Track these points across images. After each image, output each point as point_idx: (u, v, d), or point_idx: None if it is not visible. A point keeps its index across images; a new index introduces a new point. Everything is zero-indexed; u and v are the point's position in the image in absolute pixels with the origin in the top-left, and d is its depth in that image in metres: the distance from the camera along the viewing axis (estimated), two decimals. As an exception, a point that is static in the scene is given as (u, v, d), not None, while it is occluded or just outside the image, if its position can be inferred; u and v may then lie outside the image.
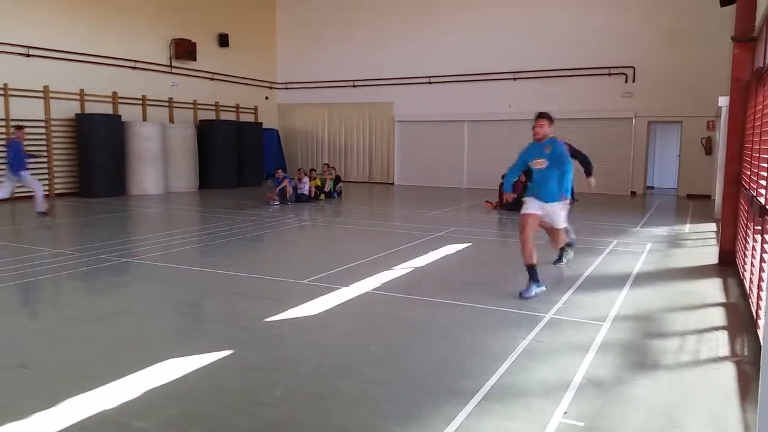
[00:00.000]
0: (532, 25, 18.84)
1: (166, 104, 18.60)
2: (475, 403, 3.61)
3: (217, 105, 20.25)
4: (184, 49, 18.64)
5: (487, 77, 19.57)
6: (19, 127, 12.02)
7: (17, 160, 11.34)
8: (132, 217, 12.82)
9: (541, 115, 6.30)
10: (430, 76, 20.43)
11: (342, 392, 3.78)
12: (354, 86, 21.75)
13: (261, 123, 21.22)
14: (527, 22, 18.92)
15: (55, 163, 15.68)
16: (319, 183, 16.12)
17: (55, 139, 15.61)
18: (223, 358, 4.36)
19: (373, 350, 4.57)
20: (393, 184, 21.47)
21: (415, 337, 4.89)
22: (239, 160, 19.58)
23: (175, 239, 9.59)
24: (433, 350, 4.60)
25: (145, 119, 17.64)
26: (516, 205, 13.20)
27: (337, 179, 16.76)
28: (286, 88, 23.21)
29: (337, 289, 6.35)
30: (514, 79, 19.23)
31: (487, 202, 14.30)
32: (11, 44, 14.36)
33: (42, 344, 4.70)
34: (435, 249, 8.66)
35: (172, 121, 18.59)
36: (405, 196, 18.34)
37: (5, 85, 14.30)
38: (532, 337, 4.83)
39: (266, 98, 22.72)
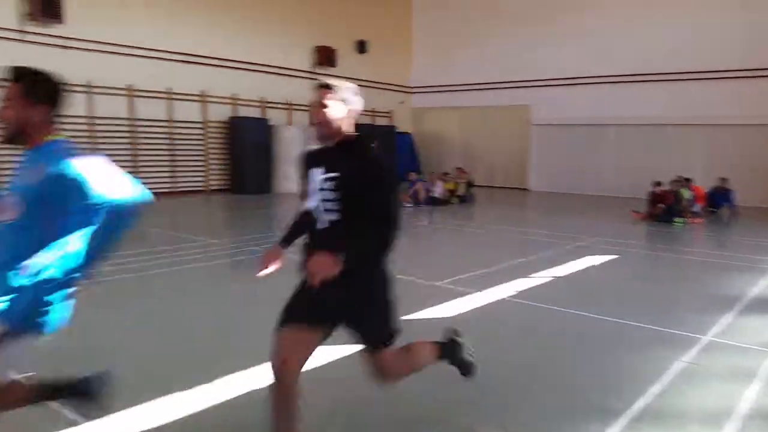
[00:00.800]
0: (689, 20, 17.41)
1: (309, 109, 19.52)
2: (623, 423, 3.38)
3: (355, 109, 20.90)
4: (325, 56, 19.48)
5: (637, 78, 18.38)
6: None
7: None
8: (278, 213, 13.62)
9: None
10: (570, 78, 19.61)
11: (477, 400, 3.71)
12: (488, 89, 21.46)
13: (394, 126, 21.61)
14: (683, 17, 17.52)
15: (211, 162, 17.06)
16: (452, 186, 16.09)
17: (210, 140, 16.99)
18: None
19: (511, 360, 4.44)
20: (528, 189, 20.89)
21: (557, 349, 4.68)
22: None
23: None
24: (576, 365, 4.39)
25: (290, 123, 18.67)
26: (668, 216, 12.38)
27: (469, 183, 16.63)
28: (421, 92, 23.44)
29: (473, 293, 6.27)
30: (672, 80, 17.84)
31: (634, 212, 13.33)
32: (174, 52, 15.82)
33: (203, 323, 5.11)
34: (576, 259, 8.27)
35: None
36: (542, 202, 17.77)
37: (168, 88, 15.79)
38: (689, 360, 4.43)
39: (401, 102, 23.10)
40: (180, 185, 16.35)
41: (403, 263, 8.14)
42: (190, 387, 3.76)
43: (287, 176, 17.67)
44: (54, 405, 3.01)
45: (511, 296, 6.24)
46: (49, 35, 13.37)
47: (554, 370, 4.25)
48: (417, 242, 10.25)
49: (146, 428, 3.27)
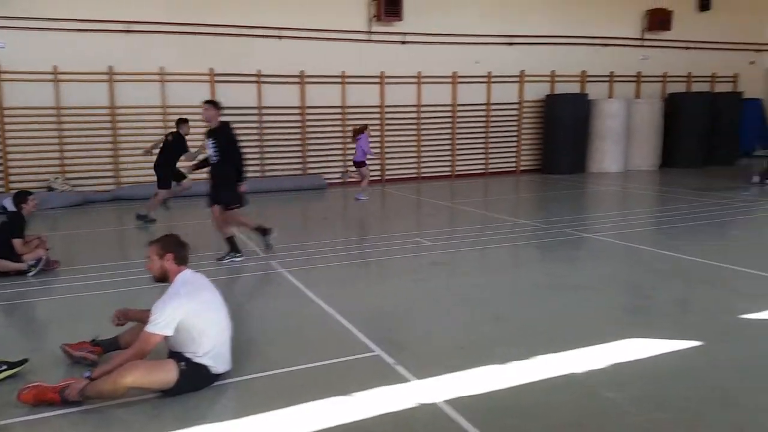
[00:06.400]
0: None
1: (634, 79, 18.16)
2: None
3: (689, 76, 18.66)
4: (658, 20, 17.74)
5: None
6: None
7: None
8: (590, 194, 13.15)
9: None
10: None
11: None
12: None
13: (740, 93, 18.59)
14: None
15: (524, 142, 17.21)
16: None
17: (525, 120, 17.11)
18: (690, 348, 4.12)
19: None
20: None
21: None
22: (710, 135, 17.66)
23: (633, 218, 9.43)
24: None
25: (611, 96, 17.65)
26: None
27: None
28: (778, 50, 19.57)
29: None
30: None
31: None
32: (494, 35, 16.24)
33: (513, 302, 5.33)
34: None
35: (638, 96, 18.07)
36: None
37: (489, 73, 16.33)
38: None
39: (751, 63, 19.69)
40: (492, 166, 16.90)
41: (742, 253, 7.10)
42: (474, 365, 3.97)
43: (604, 153, 16.83)
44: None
45: None
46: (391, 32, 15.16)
47: None
48: (762, 229, 8.83)
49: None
